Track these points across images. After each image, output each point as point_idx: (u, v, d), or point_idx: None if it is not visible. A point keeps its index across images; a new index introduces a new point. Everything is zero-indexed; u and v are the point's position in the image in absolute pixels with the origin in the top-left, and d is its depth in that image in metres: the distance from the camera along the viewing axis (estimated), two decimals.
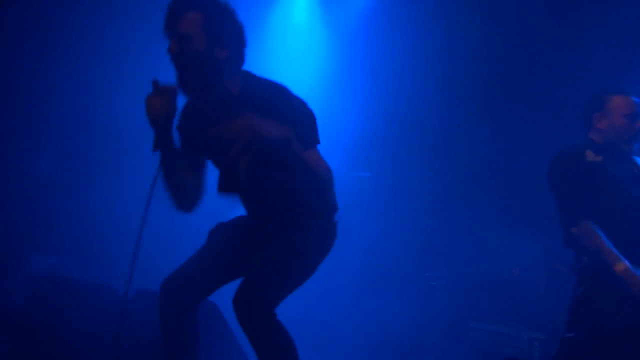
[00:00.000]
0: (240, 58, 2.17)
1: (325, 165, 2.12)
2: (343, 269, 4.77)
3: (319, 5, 6.07)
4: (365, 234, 4.98)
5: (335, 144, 4.36)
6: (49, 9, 4.99)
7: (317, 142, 2.16)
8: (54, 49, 5.03)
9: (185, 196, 2.25)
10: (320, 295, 4.50)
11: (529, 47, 5.33)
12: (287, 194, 2.19)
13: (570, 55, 5.06)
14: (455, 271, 4.83)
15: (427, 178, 5.43)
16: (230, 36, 2.10)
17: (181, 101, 2.21)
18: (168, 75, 2.15)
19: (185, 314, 2.22)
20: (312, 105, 2.26)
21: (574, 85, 4.85)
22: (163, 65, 2.26)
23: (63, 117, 5.10)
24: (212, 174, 2.43)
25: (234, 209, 4.75)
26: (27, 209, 4.79)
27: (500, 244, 5.00)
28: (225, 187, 2.30)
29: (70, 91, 5.10)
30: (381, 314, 4.75)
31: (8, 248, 4.67)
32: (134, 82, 5.16)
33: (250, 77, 2.20)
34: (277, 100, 2.08)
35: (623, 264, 2.74)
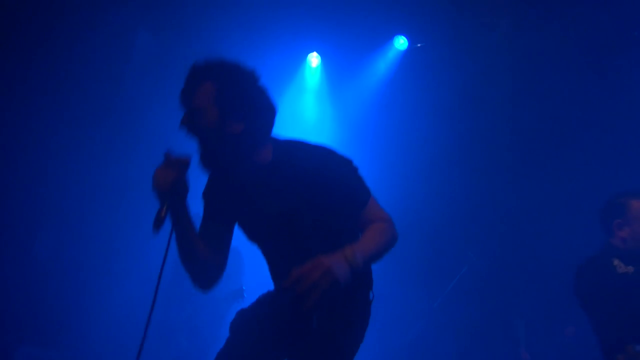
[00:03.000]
0: (264, 127, 1.98)
1: (386, 217, 1.99)
2: None
3: (329, 92, 6.09)
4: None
5: None
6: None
7: (369, 195, 2.01)
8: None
9: (202, 272, 2.06)
10: None
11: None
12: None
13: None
14: None
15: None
16: (247, 108, 1.91)
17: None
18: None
19: None
20: None
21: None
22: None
23: (58, 205, 4.90)
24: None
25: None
26: (17, 296, 4.51)
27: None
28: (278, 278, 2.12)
29: (65, 177, 4.94)
30: None
31: None
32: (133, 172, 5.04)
33: (280, 143, 2.02)
34: (314, 165, 1.93)
35: None
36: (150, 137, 4.79)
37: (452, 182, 5.38)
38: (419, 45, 5.79)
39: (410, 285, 5.11)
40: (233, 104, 1.88)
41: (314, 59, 6.01)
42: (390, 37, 5.73)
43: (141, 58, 4.98)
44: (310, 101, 6.08)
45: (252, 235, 2.14)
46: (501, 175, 5.31)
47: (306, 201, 1.92)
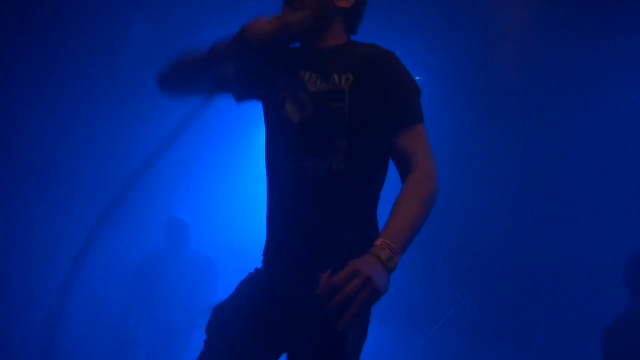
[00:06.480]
0: (358, 17, 1.95)
1: (429, 167, 1.65)
2: None
3: None
4: None
5: None
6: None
7: (422, 120, 1.73)
8: None
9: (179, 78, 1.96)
10: None
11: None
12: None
13: None
14: None
15: None
16: None
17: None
18: None
19: None
20: None
21: None
22: None
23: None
24: None
25: None
26: None
27: None
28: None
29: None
30: None
31: None
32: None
33: (355, 41, 1.94)
34: (377, 63, 1.76)
35: None
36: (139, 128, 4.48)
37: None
38: (418, 78, 5.66)
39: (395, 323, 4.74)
40: None
41: None
42: None
43: (135, 48, 4.70)
44: None
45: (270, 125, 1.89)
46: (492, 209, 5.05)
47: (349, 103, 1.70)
